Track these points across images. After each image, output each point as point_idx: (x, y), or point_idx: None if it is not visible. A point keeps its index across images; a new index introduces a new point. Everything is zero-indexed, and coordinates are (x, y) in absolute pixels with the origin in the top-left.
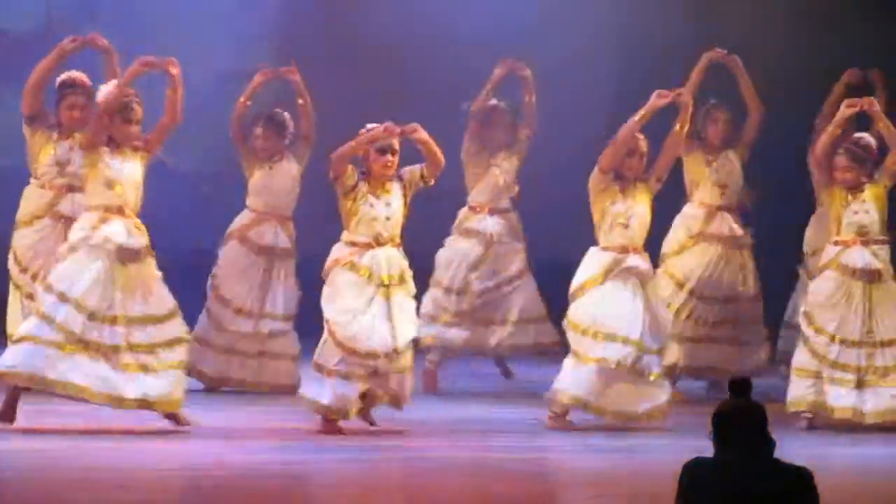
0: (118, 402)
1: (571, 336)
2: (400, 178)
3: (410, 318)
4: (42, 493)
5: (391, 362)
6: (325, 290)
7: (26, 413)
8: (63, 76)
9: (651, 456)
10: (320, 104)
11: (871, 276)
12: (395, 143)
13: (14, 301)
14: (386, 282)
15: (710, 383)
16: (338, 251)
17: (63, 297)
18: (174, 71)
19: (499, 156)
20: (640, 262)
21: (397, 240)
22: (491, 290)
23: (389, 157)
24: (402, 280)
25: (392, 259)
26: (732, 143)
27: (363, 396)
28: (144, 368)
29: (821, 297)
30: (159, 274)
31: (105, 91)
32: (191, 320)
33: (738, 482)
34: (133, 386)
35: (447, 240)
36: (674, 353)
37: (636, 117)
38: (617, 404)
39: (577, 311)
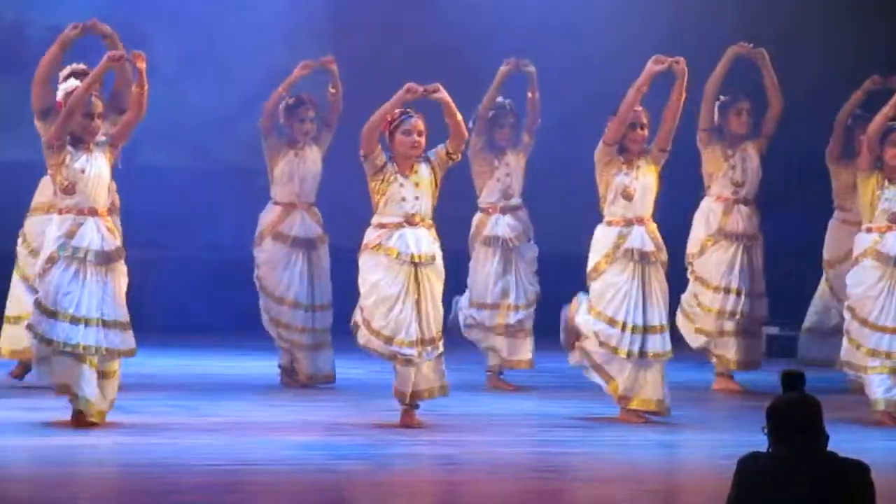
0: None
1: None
2: (427, 160)
3: (439, 305)
4: (102, 487)
5: (424, 352)
6: (360, 276)
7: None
8: (67, 68)
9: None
10: (370, 101)
11: None
12: (421, 124)
13: (16, 283)
14: (416, 260)
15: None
16: (368, 235)
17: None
18: (142, 66)
19: (506, 154)
20: (644, 238)
21: (428, 220)
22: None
23: (416, 137)
24: (432, 260)
25: (422, 239)
26: (752, 135)
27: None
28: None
29: (862, 289)
30: (125, 280)
31: (66, 89)
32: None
33: (795, 476)
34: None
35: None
36: (729, 350)
37: (634, 86)
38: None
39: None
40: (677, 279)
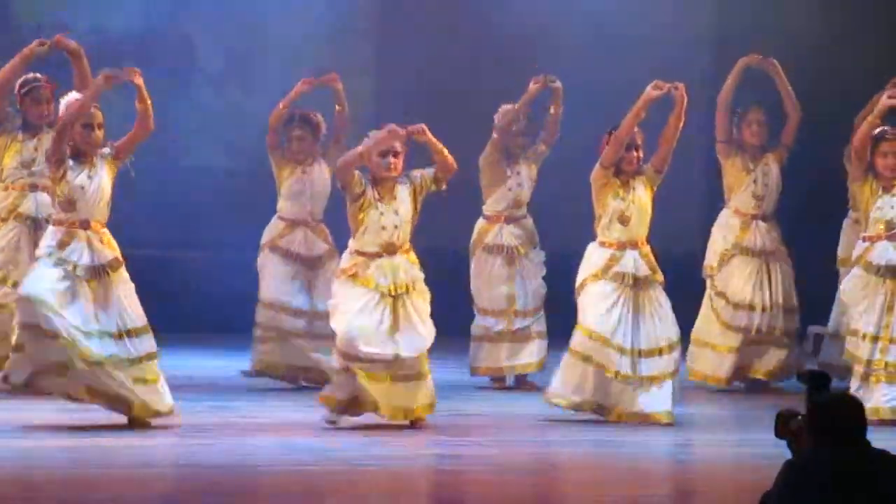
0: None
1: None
2: (410, 181)
3: (420, 327)
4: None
5: (394, 370)
6: (330, 302)
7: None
8: (22, 77)
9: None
10: (415, 103)
11: (894, 273)
12: (398, 145)
13: None
14: (392, 292)
15: (747, 384)
16: (345, 260)
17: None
18: (138, 81)
19: (518, 164)
20: (637, 262)
21: (406, 246)
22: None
23: (391, 159)
24: (412, 289)
25: (399, 268)
26: (771, 147)
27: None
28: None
29: (850, 297)
30: (129, 287)
31: (67, 104)
32: None
33: (845, 474)
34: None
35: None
36: (730, 364)
37: (632, 111)
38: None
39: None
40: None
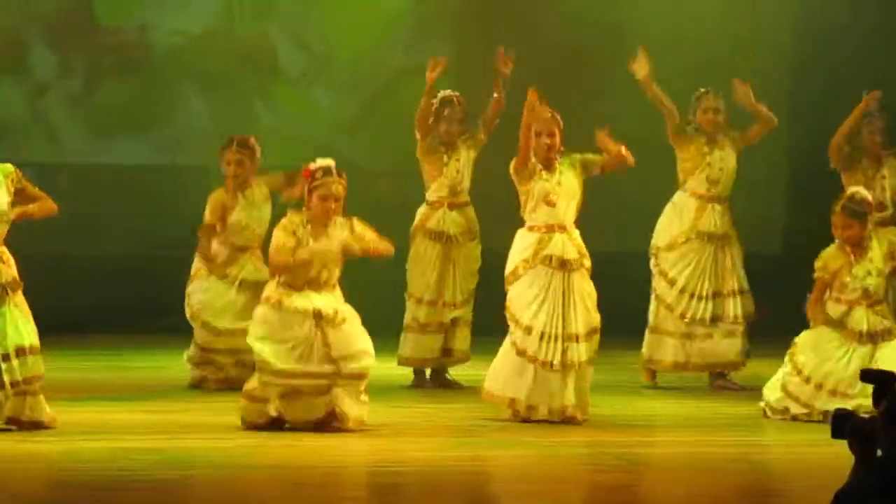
0: None
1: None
2: (347, 225)
3: (348, 344)
4: (223, 490)
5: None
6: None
7: (205, 411)
8: None
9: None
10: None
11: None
12: (340, 189)
13: None
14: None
15: (712, 376)
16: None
17: None
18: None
19: (457, 150)
20: (565, 245)
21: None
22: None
23: (332, 204)
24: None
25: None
26: (731, 132)
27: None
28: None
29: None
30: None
31: None
32: None
33: None
34: None
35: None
36: (672, 350)
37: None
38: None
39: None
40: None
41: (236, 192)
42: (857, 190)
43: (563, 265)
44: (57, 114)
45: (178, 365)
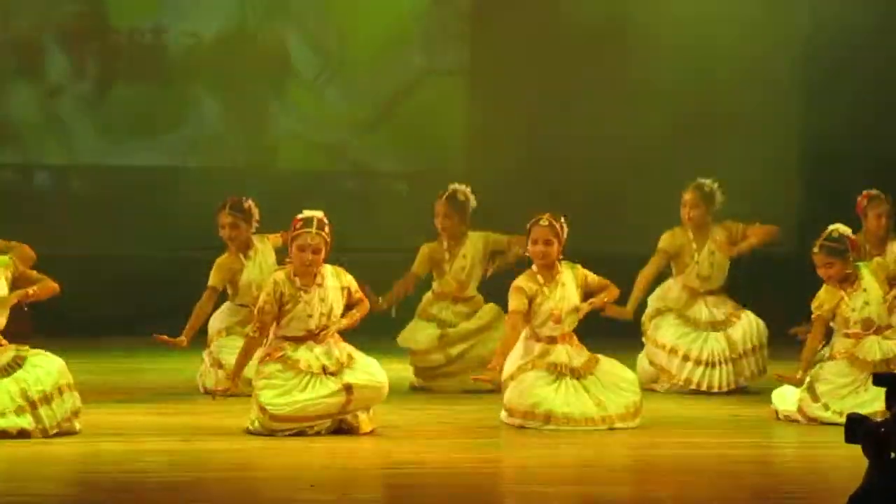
0: None
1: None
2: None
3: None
4: (238, 491)
5: None
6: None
7: (218, 415)
8: None
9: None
10: (516, 101)
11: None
12: (320, 241)
13: None
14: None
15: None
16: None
17: None
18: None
19: (463, 246)
20: (570, 353)
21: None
22: None
23: (310, 255)
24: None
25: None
26: (717, 227)
27: None
28: None
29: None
30: None
31: None
32: None
33: None
34: None
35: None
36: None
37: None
38: None
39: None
40: None
41: (238, 255)
42: (836, 227)
43: (574, 372)
44: (71, 116)
45: (192, 368)
